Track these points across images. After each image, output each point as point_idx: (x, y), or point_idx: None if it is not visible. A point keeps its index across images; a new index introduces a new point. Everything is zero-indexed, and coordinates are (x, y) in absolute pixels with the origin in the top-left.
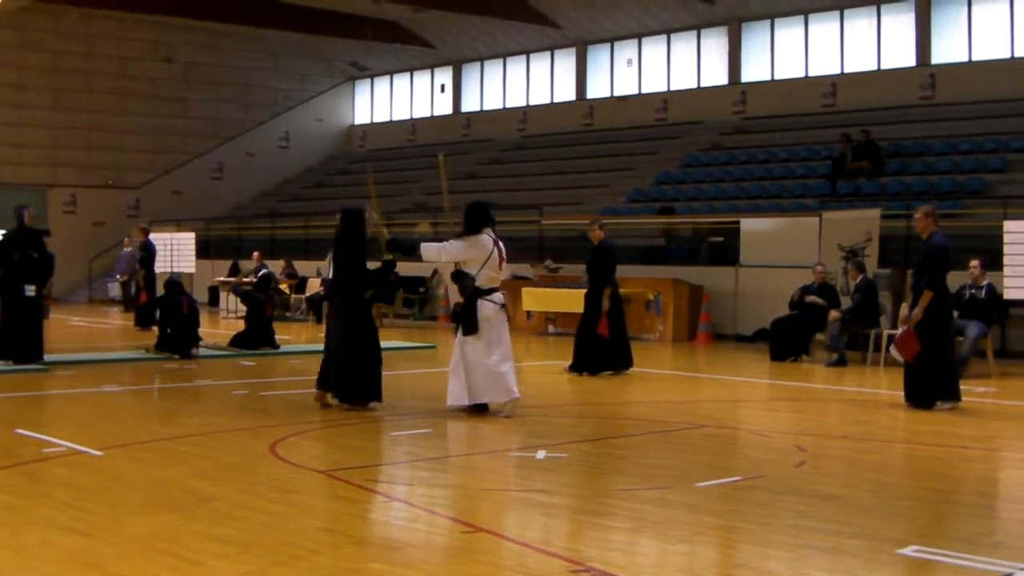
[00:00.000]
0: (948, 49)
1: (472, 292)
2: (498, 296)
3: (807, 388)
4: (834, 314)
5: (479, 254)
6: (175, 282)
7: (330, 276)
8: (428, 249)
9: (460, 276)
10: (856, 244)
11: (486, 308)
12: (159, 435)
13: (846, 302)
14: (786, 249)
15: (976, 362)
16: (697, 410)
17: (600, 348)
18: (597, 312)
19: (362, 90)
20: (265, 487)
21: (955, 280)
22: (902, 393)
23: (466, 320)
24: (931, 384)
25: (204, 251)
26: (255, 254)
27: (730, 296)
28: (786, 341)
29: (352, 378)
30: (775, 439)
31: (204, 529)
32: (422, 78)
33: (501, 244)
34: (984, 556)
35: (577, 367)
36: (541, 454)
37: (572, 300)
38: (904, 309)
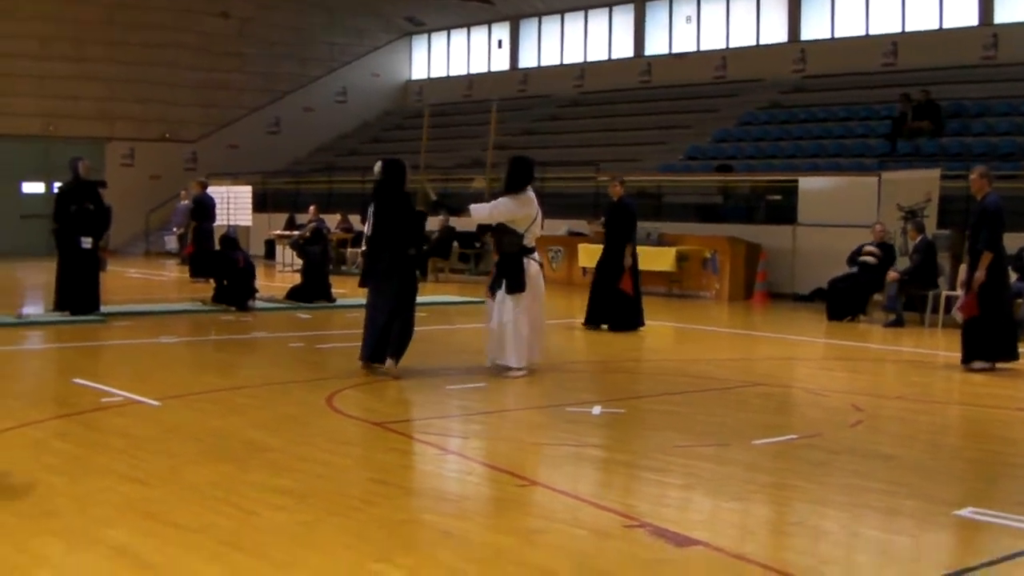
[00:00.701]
0: (1011, 8)
1: (519, 250)
2: (537, 256)
3: (864, 348)
4: (892, 275)
5: (529, 211)
6: (231, 237)
7: (369, 233)
8: (479, 211)
9: (503, 232)
10: (915, 204)
11: (532, 267)
12: (216, 386)
13: (904, 262)
14: (844, 208)
15: None
16: (753, 368)
17: (622, 304)
18: (619, 268)
19: (419, 45)
20: (321, 439)
21: (1015, 242)
22: (960, 355)
23: (514, 278)
24: (986, 343)
25: (261, 205)
26: (311, 208)
27: (787, 255)
28: (843, 301)
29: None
30: (831, 398)
31: (260, 479)
32: (479, 33)
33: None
34: None
35: (594, 321)
36: (597, 409)
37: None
38: (962, 271)
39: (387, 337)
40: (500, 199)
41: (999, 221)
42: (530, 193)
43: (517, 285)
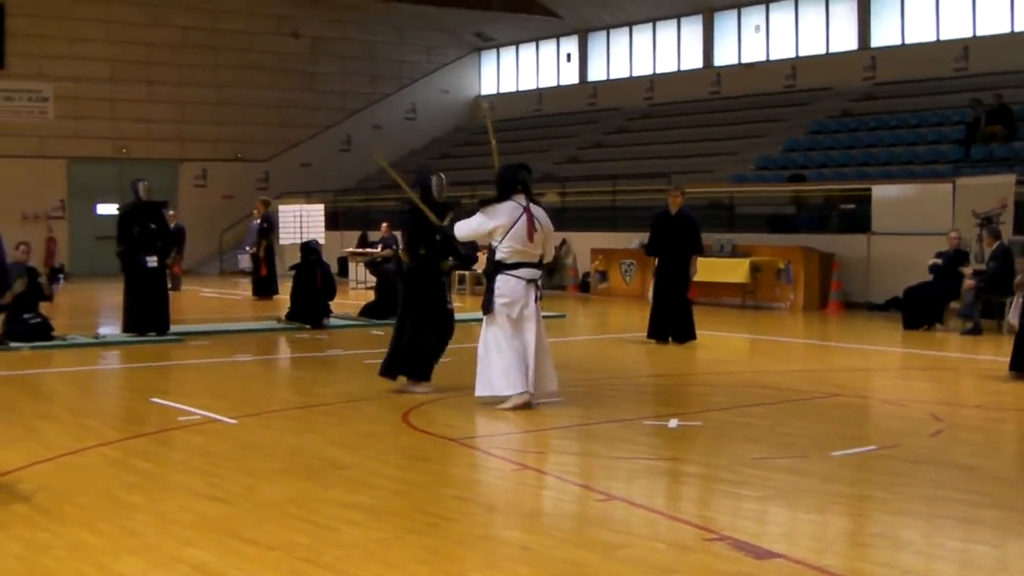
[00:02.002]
0: None
1: (493, 267)
2: (526, 271)
3: (941, 357)
4: (969, 282)
5: (500, 223)
6: (312, 248)
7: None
8: (458, 228)
9: (476, 249)
10: (991, 210)
11: (505, 286)
12: (292, 404)
13: (978, 265)
14: (919, 216)
15: None
16: (829, 379)
17: (687, 315)
18: (685, 279)
19: (488, 61)
20: (398, 455)
21: None
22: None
23: (485, 297)
24: None
25: (333, 222)
26: (383, 225)
27: (861, 264)
28: (919, 309)
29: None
30: (910, 408)
31: (339, 496)
32: (548, 48)
33: (538, 211)
34: None
35: (660, 334)
36: (674, 423)
37: (702, 268)
38: (1020, 276)
39: (398, 352)
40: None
41: None
42: (507, 204)
43: (484, 305)
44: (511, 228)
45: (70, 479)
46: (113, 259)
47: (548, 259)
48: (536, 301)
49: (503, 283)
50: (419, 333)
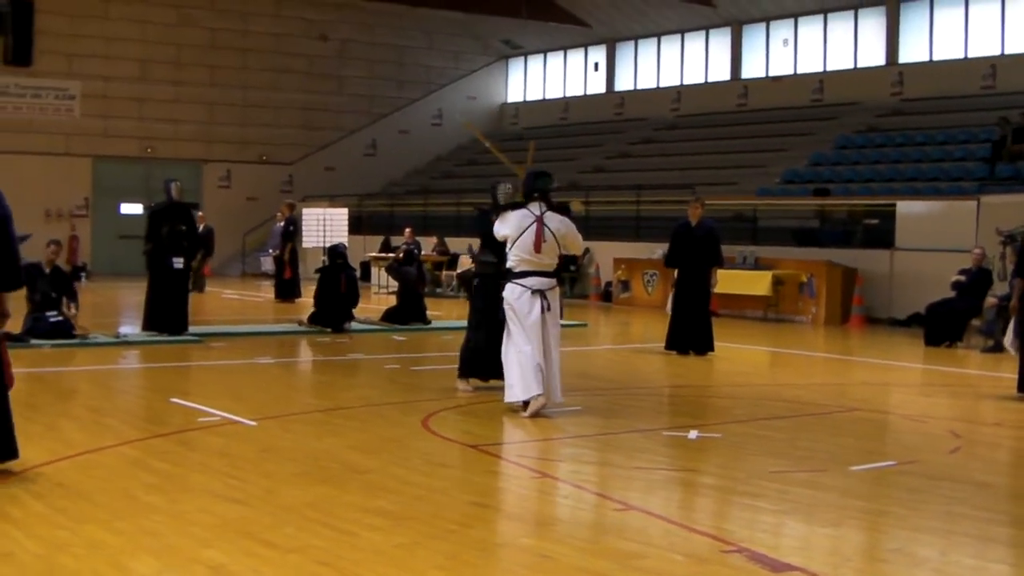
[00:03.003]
0: None
1: (494, 272)
2: (533, 281)
3: (962, 374)
4: (991, 300)
5: (509, 231)
6: (338, 251)
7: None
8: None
9: (475, 255)
10: (1015, 229)
11: (511, 294)
12: (312, 407)
13: (1002, 287)
14: (943, 232)
15: None
16: (850, 393)
17: (708, 327)
18: (706, 291)
19: (515, 68)
20: (418, 461)
21: None
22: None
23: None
24: None
25: (356, 227)
26: (407, 230)
27: (884, 279)
28: (941, 326)
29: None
30: (929, 424)
31: (358, 501)
32: (575, 56)
33: (554, 220)
34: None
35: (680, 346)
36: (694, 434)
37: (725, 280)
38: (1014, 299)
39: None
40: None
41: None
42: (517, 212)
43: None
44: (518, 237)
45: (90, 478)
46: (135, 258)
47: (576, 255)
48: (544, 311)
49: (509, 291)
50: (470, 336)
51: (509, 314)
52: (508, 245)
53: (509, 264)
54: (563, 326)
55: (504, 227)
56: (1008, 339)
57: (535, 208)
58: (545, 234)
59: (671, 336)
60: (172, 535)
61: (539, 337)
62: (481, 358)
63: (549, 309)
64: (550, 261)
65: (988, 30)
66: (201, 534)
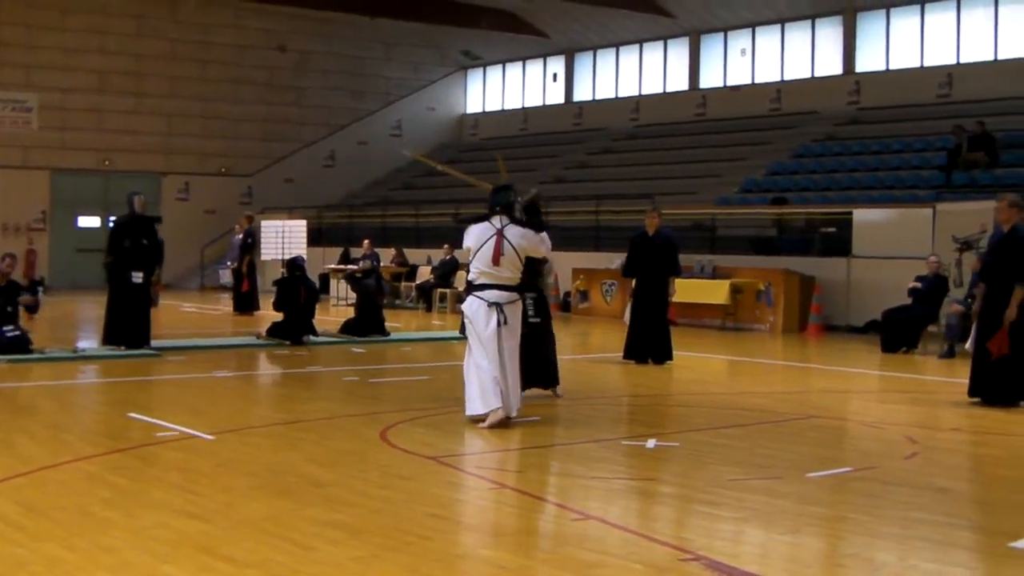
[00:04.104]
0: None
1: (466, 287)
2: (491, 294)
3: (919, 380)
4: (956, 307)
5: (470, 244)
6: (297, 264)
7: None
8: None
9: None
10: (970, 236)
11: (468, 308)
12: (271, 420)
13: (958, 292)
14: (899, 240)
15: None
16: (808, 401)
17: (666, 336)
18: (664, 300)
19: (474, 79)
20: (377, 473)
21: None
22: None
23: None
24: (1016, 383)
25: (316, 239)
26: (366, 242)
27: (842, 287)
28: (898, 333)
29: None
30: (886, 431)
31: (316, 514)
32: (534, 67)
33: (515, 232)
34: None
35: (639, 355)
36: (652, 443)
37: (683, 289)
38: (977, 303)
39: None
40: None
41: None
42: (478, 225)
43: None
44: (478, 250)
45: (47, 494)
46: (93, 272)
47: (540, 259)
48: (500, 325)
49: (467, 304)
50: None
51: (468, 328)
52: (470, 257)
53: (470, 277)
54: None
55: (467, 240)
56: (969, 343)
57: (496, 221)
58: (504, 247)
59: (629, 345)
60: (129, 551)
61: (495, 351)
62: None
63: (506, 323)
64: (510, 274)
65: (944, 39)
66: (159, 549)
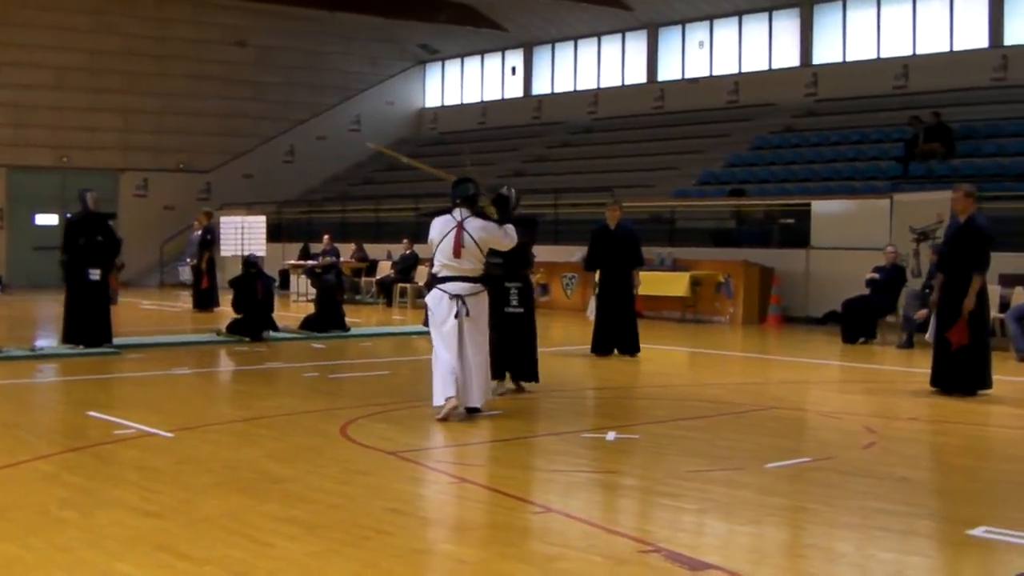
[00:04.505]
0: (1021, 30)
1: (429, 280)
2: (452, 286)
3: (877, 370)
4: (922, 313)
5: (432, 236)
6: (251, 262)
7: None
8: None
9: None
10: (927, 226)
11: (431, 299)
12: (230, 417)
13: (914, 283)
14: (857, 231)
15: None
16: (767, 392)
17: (633, 328)
18: (630, 292)
19: (433, 73)
20: (336, 469)
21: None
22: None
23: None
24: (975, 372)
25: (275, 234)
26: (325, 237)
27: (801, 278)
28: (857, 323)
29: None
30: (845, 421)
31: (275, 510)
32: (493, 61)
33: (475, 224)
34: None
35: (606, 348)
36: (612, 435)
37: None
38: (935, 294)
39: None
40: None
41: (991, 244)
42: (438, 218)
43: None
44: (439, 243)
45: (3, 493)
46: (51, 270)
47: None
48: (458, 316)
49: (429, 297)
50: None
51: (431, 319)
52: (432, 250)
53: (433, 270)
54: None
55: (432, 232)
56: (929, 334)
57: (457, 214)
58: (464, 239)
59: (597, 339)
60: (86, 549)
61: (455, 343)
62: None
63: (468, 315)
64: (471, 266)
65: (900, 31)
66: (115, 548)
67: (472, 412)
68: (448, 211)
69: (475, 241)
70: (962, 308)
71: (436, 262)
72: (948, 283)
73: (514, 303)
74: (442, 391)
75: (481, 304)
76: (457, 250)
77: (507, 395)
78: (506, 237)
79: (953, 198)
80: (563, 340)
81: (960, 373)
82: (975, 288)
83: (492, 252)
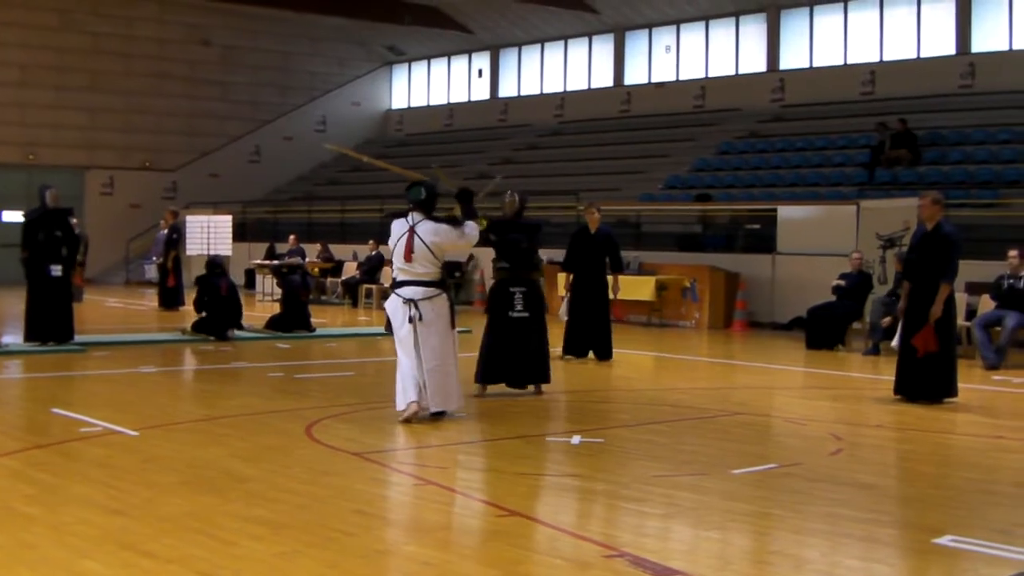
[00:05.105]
0: (988, 37)
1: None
2: (407, 290)
3: (843, 377)
4: (887, 320)
5: (391, 242)
6: (216, 263)
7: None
8: None
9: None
10: (893, 233)
11: (388, 305)
12: (195, 416)
13: (881, 289)
14: (823, 237)
15: (1015, 352)
16: (732, 397)
17: (607, 332)
18: (605, 296)
19: (399, 75)
20: (300, 469)
21: (993, 270)
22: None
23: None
24: (941, 380)
25: (241, 234)
26: (291, 237)
27: (766, 284)
28: (822, 329)
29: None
30: (810, 427)
31: (239, 510)
32: (459, 63)
33: (424, 229)
34: (1022, 547)
35: (579, 351)
36: (576, 439)
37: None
38: (902, 301)
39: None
40: None
41: (960, 251)
42: (394, 223)
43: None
44: (394, 248)
45: None
46: (17, 267)
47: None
48: (414, 320)
49: (388, 303)
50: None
51: (392, 325)
52: (389, 255)
53: (393, 274)
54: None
55: (391, 238)
56: (895, 341)
57: (410, 218)
58: (415, 244)
59: (568, 341)
60: (50, 547)
61: (411, 346)
62: (484, 362)
63: (421, 319)
64: (424, 270)
65: (867, 37)
66: (80, 545)
67: (437, 416)
68: (405, 214)
69: (427, 245)
70: (929, 315)
71: (394, 267)
72: (915, 290)
73: (519, 308)
74: (403, 396)
75: (437, 308)
76: (408, 254)
77: (528, 396)
78: (462, 238)
79: (920, 205)
80: None
81: (926, 381)
82: (943, 296)
83: (499, 256)
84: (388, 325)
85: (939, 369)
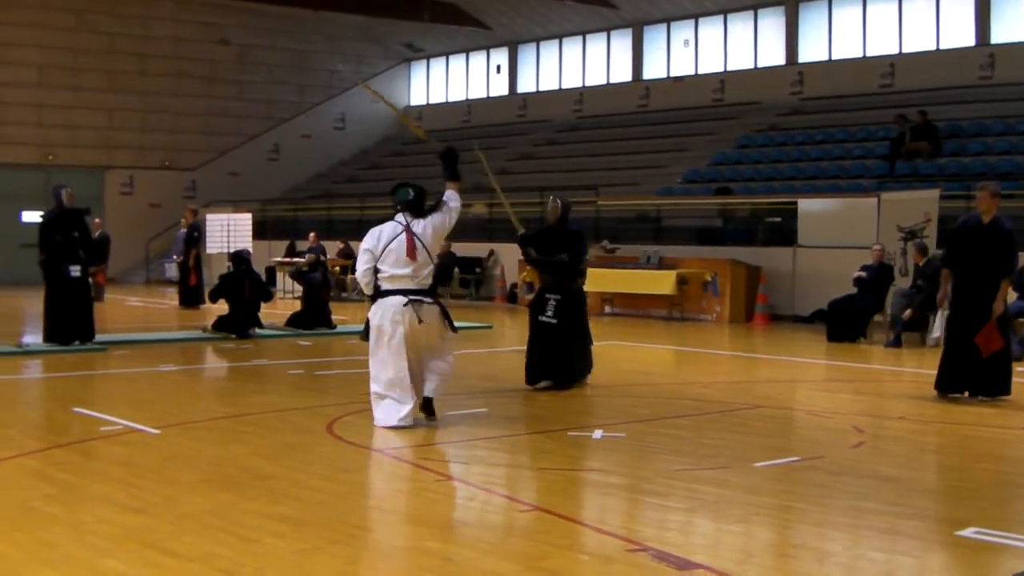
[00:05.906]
0: (1008, 28)
1: (374, 293)
2: (398, 300)
3: (865, 369)
4: (908, 312)
5: (373, 245)
6: (242, 257)
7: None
8: None
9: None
10: (915, 225)
11: (377, 312)
12: (216, 414)
13: (903, 282)
14: (844, 230)
15: None
16: (754, 391)
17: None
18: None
19: (418, 71)
20: (321, 466)
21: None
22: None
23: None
24: (1001, 377)
25: (260, 232)
26: (311, 235)
27: (787, 277)
28: (844, 322)
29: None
30: (833, 420)
31: (260, 507)
32: (478, 59)
33: (418, 229)
34: None
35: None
36: (598, 434)
37: (629, 280)
38: (944, 290)
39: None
40: None
41: (1016, 247)
42: (379, 227)
43: (363, 333)
44: (383, 250)
45: None
46: (37, 268)
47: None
48: (409, 325)
49: (372, 311)
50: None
51: (376, 336)
52: (376, 258)
53: (379, 281)
54: (468, 328)
55: (369, 241)
56: (936, 332)
57: (401, 219)
58: (416, 242)
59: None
60: (71, 546)
61: (403, 352)
62: (526, 364)
63: (421, 322)
64: (424, 271)
65: (886, 29)
66: (101, 544)
67: (428, 406)
68: (391, 219)
69: (425, 243)
70: (992, 312)
71: (381, 272)
72: (965, 284)
73: (548, 313)
74: (396, 409)
75: (433, 310)
76: (411, 252)
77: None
78: (449, 216)
79: (978, 197)
80: None
81: (986, 377)
82: (1004, 293)
83: (542, 272)
84: (365, 332)
85: (1000, 367)
